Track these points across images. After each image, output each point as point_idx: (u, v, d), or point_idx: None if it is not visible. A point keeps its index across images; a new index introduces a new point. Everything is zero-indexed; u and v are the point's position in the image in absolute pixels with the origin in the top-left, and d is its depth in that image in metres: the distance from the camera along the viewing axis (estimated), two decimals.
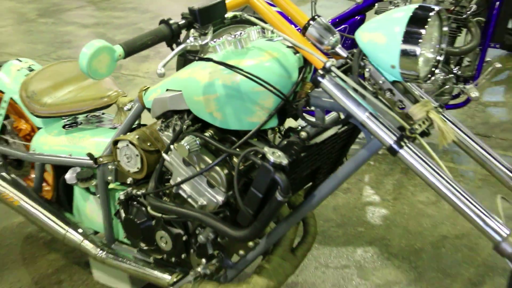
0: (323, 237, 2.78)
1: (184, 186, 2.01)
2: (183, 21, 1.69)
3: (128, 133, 2.09)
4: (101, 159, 2.26)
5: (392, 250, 2.63)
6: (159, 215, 2.09)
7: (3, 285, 2.69)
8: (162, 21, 1.67)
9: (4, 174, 2.71)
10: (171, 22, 1.67)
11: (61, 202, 2.63)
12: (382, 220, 2.86)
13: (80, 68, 1.51)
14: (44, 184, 2.92)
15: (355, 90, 1.66)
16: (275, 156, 1.70)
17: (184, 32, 1.73)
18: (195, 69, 1.91)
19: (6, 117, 2.82)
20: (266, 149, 1.72)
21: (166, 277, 2.18)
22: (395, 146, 1.60)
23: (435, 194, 2.81)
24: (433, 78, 1.71)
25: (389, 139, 1.60)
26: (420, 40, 1.52)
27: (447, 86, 3.29)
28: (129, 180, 2.20)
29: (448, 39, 3.10)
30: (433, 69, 1.70)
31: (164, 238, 2.14)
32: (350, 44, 3.36)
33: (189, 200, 1.99)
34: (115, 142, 2.13)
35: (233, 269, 2.12)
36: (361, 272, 2.52)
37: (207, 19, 1.69)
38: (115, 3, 8.62)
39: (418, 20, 1.54)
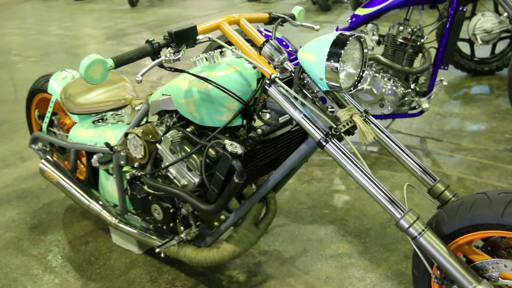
0: (295, 216, 2.86)
1: (170, 169, 2.11)
2: (164, 41, 1.77)
3: (136, 128, 2.17)
4: (115, 147, 2.35)
5: (348, 229, 2.70)
6: (152, 191, 2.17)
7: (46, 243, 2.82)
8: (147, 41, 1.75)
9: (48, 157, 2.84)
10: (153, 42, 1.75)
11: (91, 181, 2.74)
12: (344, 204, 2.93)
13: (80, 74, 1.61)
14: (82, 167, 3.05)
15: (295, 98, 1.72)
16: (233, 147, 1.79)
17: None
18: (180, 79, 2.01)
19: (54, 114, 2.95)
20: (226, 141, 1.81)
21: (159, 241, 2.25)
22: (322, 141, 1.66)
23: (391, 185, 2.86)
24: (357, 88, 1.75)
25: (318, 135, 1.68)
26: (339, 59, 1.60)
27: (406, 99, 3.30)
28: (136, 164, 2.30)
29: (406, 62, 3.14)
30: (356, 82, 1.75)
31: (157, 210, 2.23)
32: None
33: (175, 180, 2.10)
34: (126, 134, 2.22)
35: (211, 237, 2.22)
36: (320, 245, 2.61)
37: (180, 40, 1.77)
38: (166, 28, 8.76)
39: (339, 43, 1.65)
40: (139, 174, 2.25)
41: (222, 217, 2.16)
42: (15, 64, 7.43)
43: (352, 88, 1.75)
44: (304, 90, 1.78)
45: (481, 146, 3.45)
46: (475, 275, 1.51)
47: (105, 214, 2.55)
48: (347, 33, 1.69)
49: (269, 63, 1.85)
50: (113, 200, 2.66)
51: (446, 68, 3.22)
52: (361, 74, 1.78)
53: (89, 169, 2.75)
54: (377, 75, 3.30)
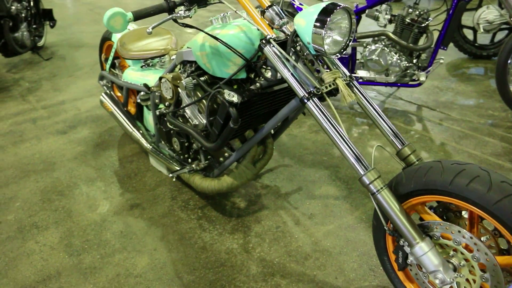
0: (298, 160, 2.63)
1: (186, 110, 1.91)
2: (178, 0, 1.53)
3: (168, 73, 1.97)
4: (152, 88, 2.17)
5: (339, 175, 2.46)
6: (172, 127, 1.99)
7: (102, 158, 2.74)
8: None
9: (107, 91, 2.69)
10: (171, 1, 1.52)
11: (137, 115, 2.58)
12: (341, 154, 2.62)
13: (103, 23, 1.43)
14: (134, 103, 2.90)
15: (286, 58, 1.45)
16: (230, 96, 1.57)
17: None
18: (199, 35, 1.78)
19: (117, 58, 2.77)
20: (225, 90, 1.57)
21: (177, 168, 2.09)
22: (304, 99, 1.41)
23: (382, 142, 2.57)
24: (342, 54, 1.46)
25: (301, 93, 1.43)
26: (325, 26, 1.30)
27: (408, 71, 2.92)
28: (166, 103, 2.10)
29: (412, 40, 2.74)
30: (342, 50, 1.46)
31: (176, 143, 2.06)
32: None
33: (189, 120, 1.89)
34: (160, 78, 2.02)
35: (217, 169, 2.05)
36: (313, 186, 2.39)
37: (192, 0, 1.51)
38: None
39: (326, 11, 1.38)
40: (164, 111, 2.07)
41: (226, 154, 1.97)
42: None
43: (337, 54, 1.47)
44: (296, 52, 1.51)
45: (466, 118, 3.03)
46: (420, 232, 1.26)
47: (142, 141, 2.41)
48: (337, 3, 1.40)
49: (271, 26, 1.59)
50: (151, 130, 2.52)
51: (445, 48, 2.81)
52: (347, 42, 1.49)
53: (137, 105, 2.60)
54: (385, 48, 2.92)
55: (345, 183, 2.36)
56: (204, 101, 1.78)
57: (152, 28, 1.45)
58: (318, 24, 1.36)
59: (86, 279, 1.84)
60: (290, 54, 1.50)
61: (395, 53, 2.91)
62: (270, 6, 1.57)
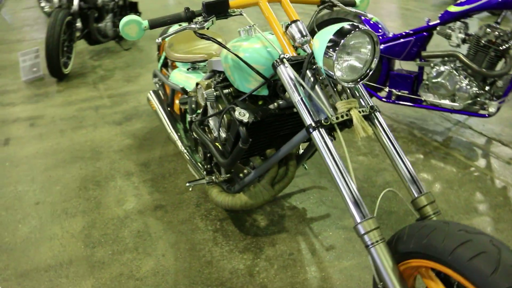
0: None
1: (210, 121, 1.85)
2: (198, 10, 1.47)
3: (205, 80, 1.93)
4: (190, 92, 2.15)
5: (373, 207, 2.21)
6: (195, 136, 1.96)
7: (145, 154, 2.79)
8: (185, 8, 1.47)
9: (154, 90, 2.73)
10: (188, 9, 1.47)
11: (182, 116, 2.58)
12: (383, 183, 2.43)
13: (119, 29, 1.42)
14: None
15: (298, 81, 1.35)
16: (241, 114, 1.49)
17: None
18: (228, 45, 1.69)
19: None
20: (237, 108, 1.49)
21: (196, 177, 2.05)
22: (310, 128, 1.27)
23: (433, 177, 2.32)
24: (359, 83, 1.30)
25: (308, 120, 1.29)
26: (337, 48, 1.16)
27: (478, 99, 2.60)
28: (201, 110, 2.07)
29: (487, 64, 2.44)
30: (360, 79, 1.30)
31: (200, 152, 2.02)
32: (414, 53, 2.77)
33: (212, 131, 1.82)
34: (197, 84, 1.99)
35: (238, 185, 1.95)
36: (342, 214, 2.24)
37: (210, 11, 1.45)
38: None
39: (342, 33, 1.21)
40: (193, 118, 2.04)
41: (246, 171, 1.89)
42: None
43: (352, 83, 1.31)
44: (312, 75, 1.38)
45: None
46: None
47: (178, 143, 2.40)
48: (357, 25, 1.24)
49: (292, 44, 1.48)
50: None
51: None
52: (367, 71, 1.33)
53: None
54: (453, 71, 2.62)
55: (378, 217, 2.16)
56: (225, 114, 1.72)
57: (162, 39, 1.41)
58: (330, 45, 1.23)
59: (92, 272, 1.88)
60: (307, 76, 1.37)
61: (465, 78, 2.60)
62: (294, 22, 1.45)
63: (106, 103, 3.66)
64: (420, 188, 1.32)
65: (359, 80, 1.32)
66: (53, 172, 2.64)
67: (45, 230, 2.14)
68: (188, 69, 2.50)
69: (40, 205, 2.34)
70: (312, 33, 1.44)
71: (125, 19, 1.40)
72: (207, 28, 1.48)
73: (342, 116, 1.30)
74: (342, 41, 1.21)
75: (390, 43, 2.86)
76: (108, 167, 2.67)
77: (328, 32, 1.25)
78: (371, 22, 3.00)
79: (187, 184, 1.97)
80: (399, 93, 2.89)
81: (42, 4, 6.54)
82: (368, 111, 1.38)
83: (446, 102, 2.71)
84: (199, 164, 2.21)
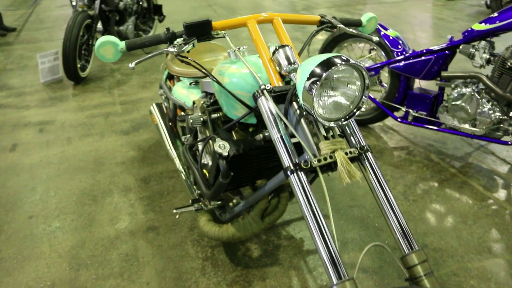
0: (339, 211, 2.31)
1: (198, 145, 1.74)
2: (179, 31, 1.36)
3: (201, 98, 1.83)
4: (187, 110, 2.06)
5: (372, 239, 2.05)
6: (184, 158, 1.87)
7: (146, 169, 2.72)
8: (166, 29, 1.37)
9: (157, 103, 2.63)
10: (168, 31, 1.36)
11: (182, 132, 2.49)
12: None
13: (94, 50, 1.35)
14: None
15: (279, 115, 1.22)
16: (220, 147, 1.36)
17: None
18: (217, 68, 1.58)
19: None
20: (218, 139, 1.37)
21: (186, 203, 1.95)
22: (287, 171, 1.14)
23: (446, 209, 2.13)
24: (342, 123, 1.16)
25: (286, 162, 1.15)
26: (316, 82, 1.03)
27: (501, 125, 2.39)
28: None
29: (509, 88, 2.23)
30: (344, 119, 1.16)
31: (191, 175, 1.91)
32: (434, 72, 2.57)
33: (201, 156, 1.72)
34: (193, 102, 1.90)
35: (228, 213, 1.83)
36: (342, 247, 2.01)
37: (191, 33, 1.33)
38: (351, 9, 7.86)
39: (326, 65, 1.10)
40: (184, 140, 1.94)
41: (235, 201, 1.77)
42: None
43: (337, 122, 1.17)
44: (298, 108, 1.24)
45: None
46: None
47: (176, 161, 2.30)
48: (346, 58, 1.10)
49: (279, 71, 1.34)
50: None
51: None
52: (354, 110, 1.18)
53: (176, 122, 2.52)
54: (476, 94, 2.41)
55: (379, 253, 1.99)
56: (210, 141, 1.60)
57: (135, 64, 1.31)
58: (311, 78, 1.09)
59: None
60: (292, 109, 1.24)
61: (488, 102, 2.39)
62: (282, 47, 1.32)
63: (118, 110, 3.62)
64: (412, 244, 1.16)
65: (343, 120, 1.17)
66: (53, 183, 2.60)
67: (33, 248, 2.09)
68: (190, 84, 2.40)
69: (33, 220, 2.30)
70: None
71: (101, 39, 1.30)
72: (188, 52, 1.38)
73: (325, 159, 1.17)
74: (324, 74, 1.07)
75: (410, 61, 2.67)
76: (107, 181, 2.60)
77: (311, 63, 1.11)
78: (391, 37, 2.82)
79: (174, 211, 1.87)
80: (417, 114, 2.70)
81: (73, 3, 6.64)
82: (357, 153, 1.23)
83: (466, 127, 2.50)
84: (193, 187, 2.11)
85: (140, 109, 3.62)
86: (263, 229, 1.73)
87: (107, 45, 1.31)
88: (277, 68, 1.33)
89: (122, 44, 1.33)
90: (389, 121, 3.27)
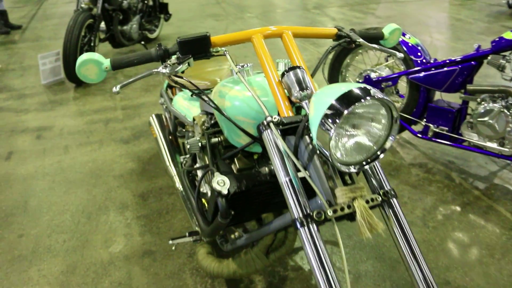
0: (356, 244, 2.08)
1: (198, 172, 1.56)
2: (172, 48, 1.18)
3: (202, 115, 1.65)
4: (187, 127, 1.88)
5: (400, 269, 1.87)
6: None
7: (145, 183, 2.54)
8: (158, 45, 1.18)
9: (157, 114, 2.45)
10: (160, 47, 1.17)
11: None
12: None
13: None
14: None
15: (288, 154, 1.03)
16: (219, 183, 1.17)
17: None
18: (217, 86, 1.40)
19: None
20: (216, 174, 1.19)
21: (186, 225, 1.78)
22: (297, 223, 0.96)
23: (470, 238, 1.94)
24: (362, 168, 0.97)
25: (295, 212, 0.96)
26: (337, 120, 0.89)
27: None
28: None
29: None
30: (366, 162, 0.97)
31: (191, 202, 1.73)
32: (458, 84, 2.37)
33: (200, 185, 1.54)
34: (193, 119, 1.72)
35: (229, 245, 1.65)
36: (354, 284, 1.83)
37: (186, 51, 1.15)
38: (363, 8, 7.62)
39: (349, 98, 0.90)
40: (182, 162, 1.77)
41: (237, 234, 1.59)
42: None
43: (358, 167, 0.98)
44: (310, 143, 1.06)
45: None
46: None
47: (176, 179, 2.13)
48: (370, 90, 0.91)
49: (288, 96, 1.15)
50: None
51: None
52: (378, 153, 0.99)
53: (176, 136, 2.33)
54: (505, 110, 2.20)
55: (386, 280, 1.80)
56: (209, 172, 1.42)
57: (120, 88, 1.13)
58: (329, 115, 0.89)
59: None
60: (302, 144, 1.05)
61: None
62: (293, 68, 1.13)
63: (118, 116, 3.45)
64: None
65: (365, 163, 0.99)
66: (46, 198, 2.45)
67: (21, 272, 1.93)
68: (192, 95, 2.22)
69: (23, 238, 2.14)
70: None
71: (82, 57, 1.12)
72: (182, 72, 1.19)
73: (342, 209, 0.98)
74: (346, 111, 0.88)
75: (431, 71, 2.47)
76: (103, 196, 2.44)
77: (328, 94, 0.92)
78: (410, 44, 2.62)
79: (170, 242, 1.70)
80: (437, 130, 2.49)
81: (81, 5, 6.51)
82: (380, 200, 1.04)
83: (493, 146, 2.29)
84: (192, 212, 1.93)
85: (141, 115, 3.45)
86: (268, 266, 1.55)
87: (89, 64, 1.12)
88: (286, 92, 1.14)
89: (106, 63, 1.15)
90: (405, 134, 3.07)
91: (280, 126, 1.06)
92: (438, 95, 2.71)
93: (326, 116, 0.89)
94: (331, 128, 0.88)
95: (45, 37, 6.03)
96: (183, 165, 1.75)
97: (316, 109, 0.93)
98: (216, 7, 7.65)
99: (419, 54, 2.60)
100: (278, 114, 1.12)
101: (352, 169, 0.96)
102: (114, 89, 1.12)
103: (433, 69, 2.47)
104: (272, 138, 1.05)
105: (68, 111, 3.60)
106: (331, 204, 0.99)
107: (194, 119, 1.67)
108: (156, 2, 5.36)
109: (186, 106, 2.10)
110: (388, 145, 0.97)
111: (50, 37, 6.01)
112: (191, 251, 2.01)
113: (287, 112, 1.11)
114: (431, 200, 2.33)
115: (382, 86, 2.70)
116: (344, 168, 0.95)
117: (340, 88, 0.92)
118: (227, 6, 7.69)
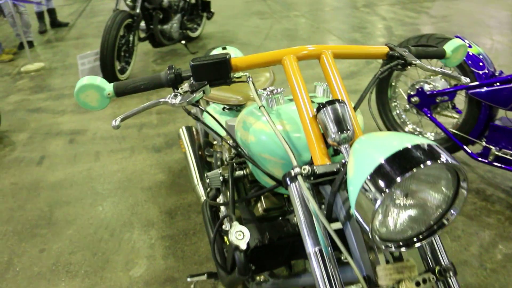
0: None
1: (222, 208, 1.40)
2: (186, 73, 0.99)
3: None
4: (214, 147, 1.72)
5: None
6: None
7: (174, 197, 2.41)
8: (169, 67, 1.00)
9: (188, 126, 2.29)
10: (171, 71, 0.99)
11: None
12: (462, 285, 1.77)
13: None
14: None
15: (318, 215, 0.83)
16: (238, 237, 0.99)
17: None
18: (242, 113, 1.22)
19: None
20: (234, 223, 1.00)
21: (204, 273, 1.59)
22: None
23: None
24: (411, 247, 0.75)
25: None
26: (387, 190, 0.67)
27: None
28: None
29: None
30: (418, 239, 0.75)
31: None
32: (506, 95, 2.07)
33: (221, 223, 1.36)
34: (221, 138, 1.55)
35: (255, 285, 1.46)
36: None
37: (200, 77, 0.96)
38: (417, 6, 7.14)
39: (403, 160, 0.68)
40: (208, 191, 1.59)
41: (262, 277, 1.41)
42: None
43: (407, 245, 0.76)
44: (344, 201, 0.85)
45: None
46: None
47: (202, 199, 1.97)
48: (434, 149, 0.69)
49: (324, 137, 0.94)
50: None
51: None
52: (435, 228, 0.77)
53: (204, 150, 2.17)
54: None
55: None
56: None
57: (121, 121, 0.96)
58: (375, 177, 0.68)
59: None
60: (337, 206, 0.84)
61: None
62: (332, 102, 0.91)
63: (153, 121, 3.34)
64: None
65: (416, 240, 0.77)
66: (72, 209, 2.36)
67: None
68: (223, 109, 2.04)
69: (44, 254, 2.06)
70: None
71: (82, 81, 0.95)
72: (197, 102, 1.01)
73: None
74: (399, 179, 0.65)
75: (495, 87, 2.16)
76: (129, 211, 2.32)
77: (377, 148, 0.71)
78: (471, 53, 2.31)
79: (188, 279, 1.53)
80: (500, 153, 2.19)
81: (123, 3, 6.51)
82: (434, 280, 0.82)
83: None
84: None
85: (176, 120, 3.33)
86: None
87: (90, 90, 0.96)
88: (321, 129, 0.93)
89: (109, 88, 0.97)
90: (460, 153, 2.76)
91: (312, 178, 0.86)
92: (501, 113, 2.39)
93: (369, 180, 0.68)
94: (376, 198, 0.66)
95: (89, 35, 6.07)
96: (207, 193, 1.58)
97: (357, 166, 0.72)
98: (261, 4, 7.45)
99: (481, 64, 2.29)
100: (311, 158, 0.92)
101: (402, 248, 0.74)
102: (113, 123, 0.95)
103: (497, 83, 2.17)
104: (300, 195, 0.85)
105: (103, 113, 3.54)
106: (371, 281, 0.79)
107: (222, 138, 1.49)
108: (198, 0, 5.24)
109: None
110: (449, 220, 0.74)
111: (94, 34, 6.04)
112: (215, 282, 1.85)
113: (321, 158, 0.90)
114: (489, 235, 2.04)
115: (437, 100, 2.42)
116: (391, 248, 0.73)
117: (391, 142, 0.70)
118: (272, 3, 7.47)
